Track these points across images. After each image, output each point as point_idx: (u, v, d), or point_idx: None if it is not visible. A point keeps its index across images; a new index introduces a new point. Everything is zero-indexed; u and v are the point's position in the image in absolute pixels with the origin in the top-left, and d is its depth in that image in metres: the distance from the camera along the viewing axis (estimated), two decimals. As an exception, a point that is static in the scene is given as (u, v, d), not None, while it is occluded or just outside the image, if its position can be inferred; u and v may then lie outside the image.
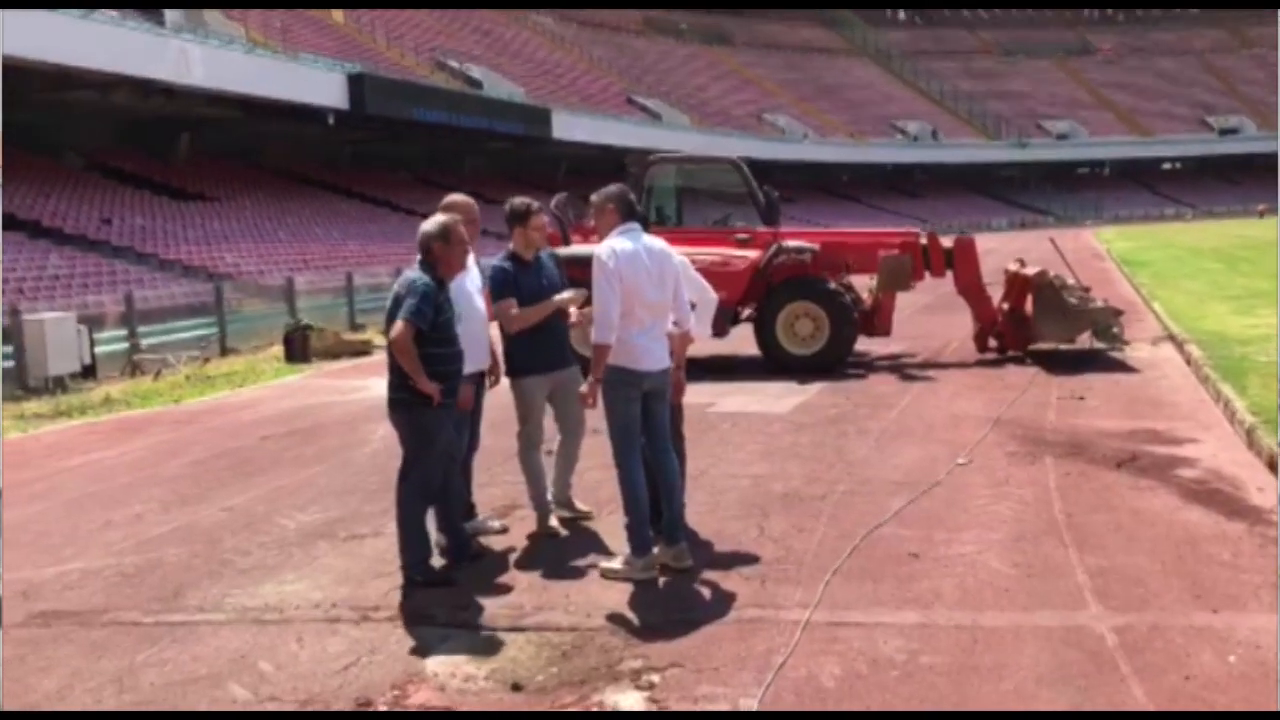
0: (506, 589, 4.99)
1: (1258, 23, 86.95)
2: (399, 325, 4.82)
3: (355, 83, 34.33)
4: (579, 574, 5.17)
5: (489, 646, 4.33)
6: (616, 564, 5.07)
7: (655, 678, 3.95)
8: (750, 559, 5.24)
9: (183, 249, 25.96)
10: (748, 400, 9.67)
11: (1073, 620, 4.35)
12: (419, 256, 5.13)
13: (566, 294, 5.73)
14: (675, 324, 5.15)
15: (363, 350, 14.59)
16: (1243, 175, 73.94)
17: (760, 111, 66.38)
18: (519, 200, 5.83)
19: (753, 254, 11.29)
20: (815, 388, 10.21)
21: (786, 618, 4.47)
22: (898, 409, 9.12)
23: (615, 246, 4.92)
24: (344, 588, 5.07)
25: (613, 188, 5.22)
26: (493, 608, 4.74)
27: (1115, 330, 11.58)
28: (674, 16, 77.19)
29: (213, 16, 33.94)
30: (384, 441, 8.54)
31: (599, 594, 4.85)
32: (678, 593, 4.87)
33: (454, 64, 46.13)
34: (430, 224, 5.09)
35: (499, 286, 5.62)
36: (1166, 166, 78.61)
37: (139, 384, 12.40)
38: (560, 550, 5.55)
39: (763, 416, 8.98)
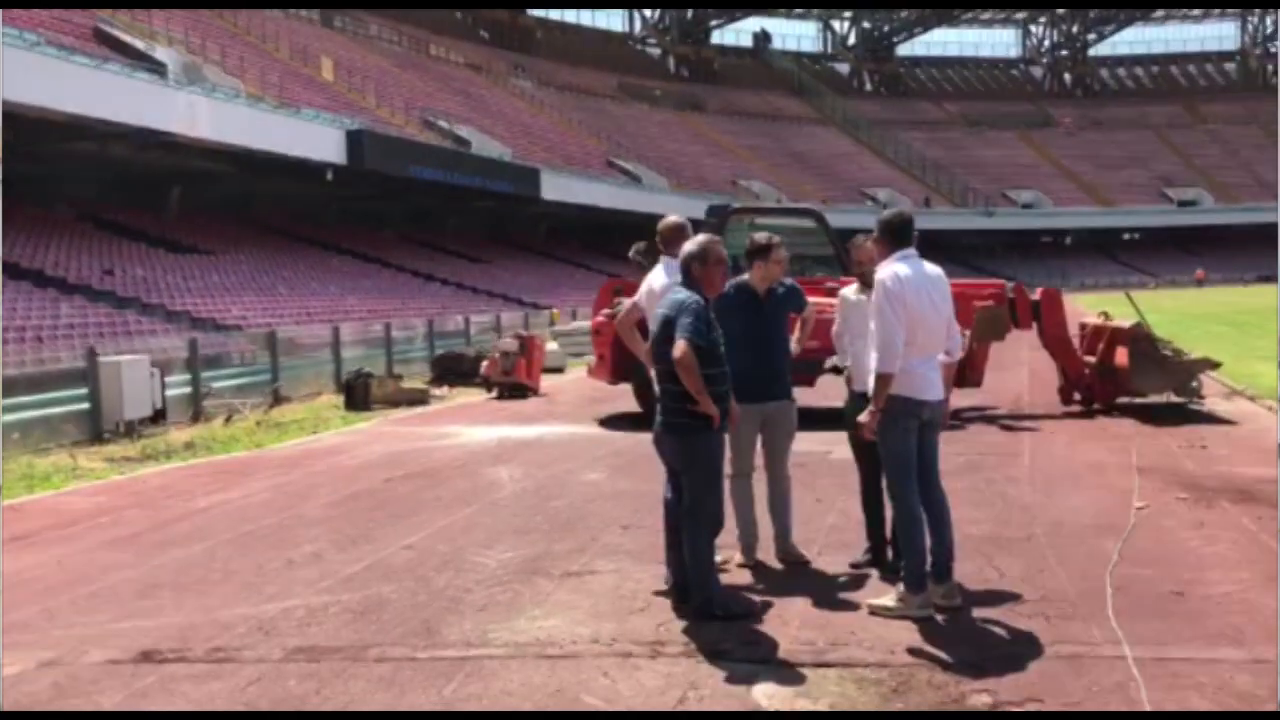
0: (783, 624, 4.80)
1: (1210, 100, 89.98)
2: (681, 344, 4.68)
3: (354, 139, 34.28)
4: (848, 608, 5.01)
5: (807, 682, 4.15)
6: (889, 601, 4.91)
7: (1020, 711, 3.80)
8: (1013, 597, 5.11)
9: (188, 300, 25.58)
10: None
11: None
12: (679, 280, 5.04)
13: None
14: (946, 353, 5.06)
15: (420, 399, 14.34)
16: (1200, 246, 75.79)
17: (735, 176, 67.09)
18: (760, 235, 5.79)
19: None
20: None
21: (1107, 653, 4.34)
22: (1025, 456, 9.07)
23: (898, 271, 4.83)
24: (607, 624, 4.85)
25: (886, 214, 5.14)
26: (785, 643, 4.56)
27: (1194, 385, 11.67)
28: (648, 83, 78.22)
29: (211, 70, 33.85)
30: (517, 484, 8.39)
31: (885, 631, 4.69)
32: (967, 631, 4.72)
33: (443, 124, 46.25)
34: (690, 244, 5.01)
35: (721, 314, 5.48)
36: (1127, 236, 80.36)
37: (210, 429, 12.07)
38: (803, 586, 5.38)
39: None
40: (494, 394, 15.01)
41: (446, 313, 30.02)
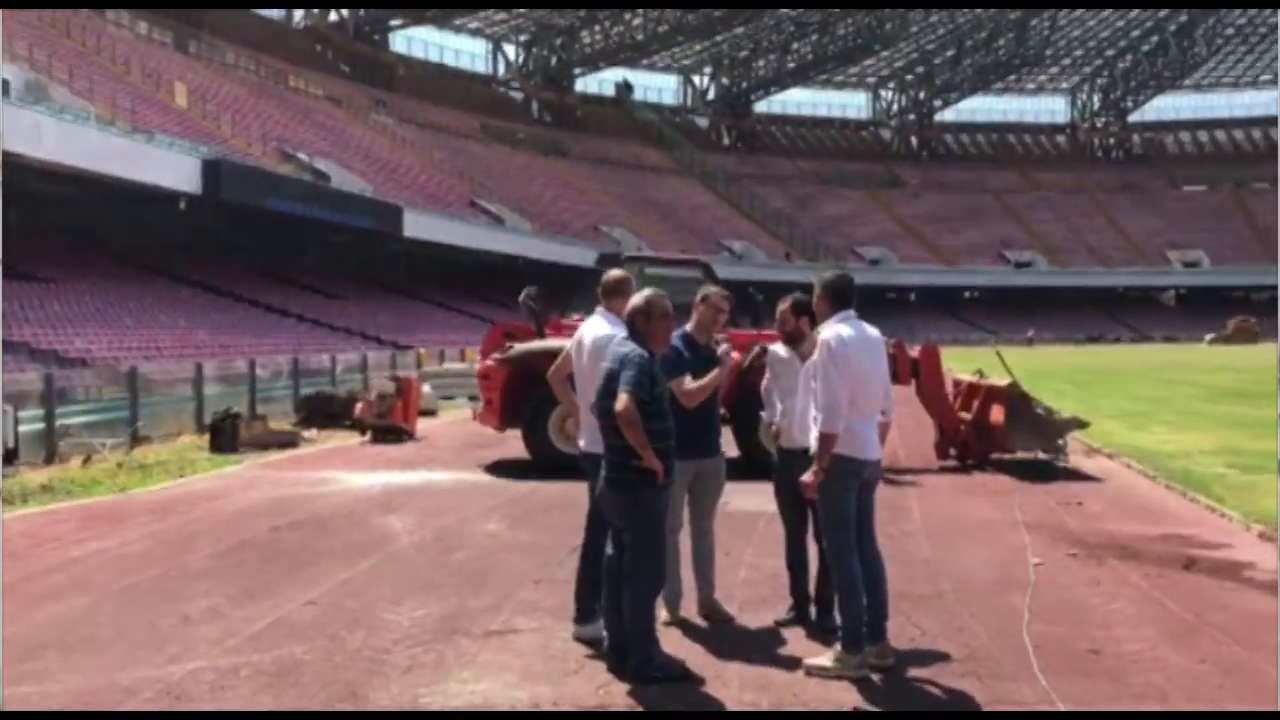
0: (723, 685, 4.73)
1: (1044, 169, 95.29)
2: (624, 398, 4.62)
3: (211, 168, 33.20)
4: (783, 667, 4.98)
5: (760, 746, 4.09)
6: (826, 661, 4.90)
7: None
8: (941, 656, 5.17)
9: (27, 330, 24.18)
10: (761, 499, 9.56)
11: (1323, 712, 4.47)
12: (618, 333, 5.00)
13: (725, 356, 5.59)
14: (883, 413, 5.12)
15: (289, 442, 13.81)
16: (1035, 305, 79.82)
17: (597, 222, 67.57)
18: (703, 288, 5.79)
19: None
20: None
21: (1044, 710, 4.42)
22: (915, 511, 9.27)
23: (842, 333, 4.87)
24: (542, 687, 4.70)
25: (828, 275, 5.20)
26: (730, 706, 4.49)
27: (1061, 443, 12.18)
28: (511, 126, 78.27)
29: (58, 91, 32.29)
30: (412, 534, 8.12)
31: (825, 692, 4.68)
32: (905, 691, 4.75)
33: (302, 156, 45.17)
34: (636, 299, 4.97)
35: (672, 366, 5.46)
36: (968, 294, 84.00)
37: (66, 470, 11.29)
38: (733, 644, 5.32)
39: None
40: (367, 437, 14.58)
41: (304, 350, 29.17)
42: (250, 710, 4.43)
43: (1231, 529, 8.47)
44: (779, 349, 5.72)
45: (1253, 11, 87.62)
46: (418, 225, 45.71)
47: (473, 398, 21.45)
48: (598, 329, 5.38)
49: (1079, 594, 6.44)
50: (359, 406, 14.98)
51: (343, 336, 36.72)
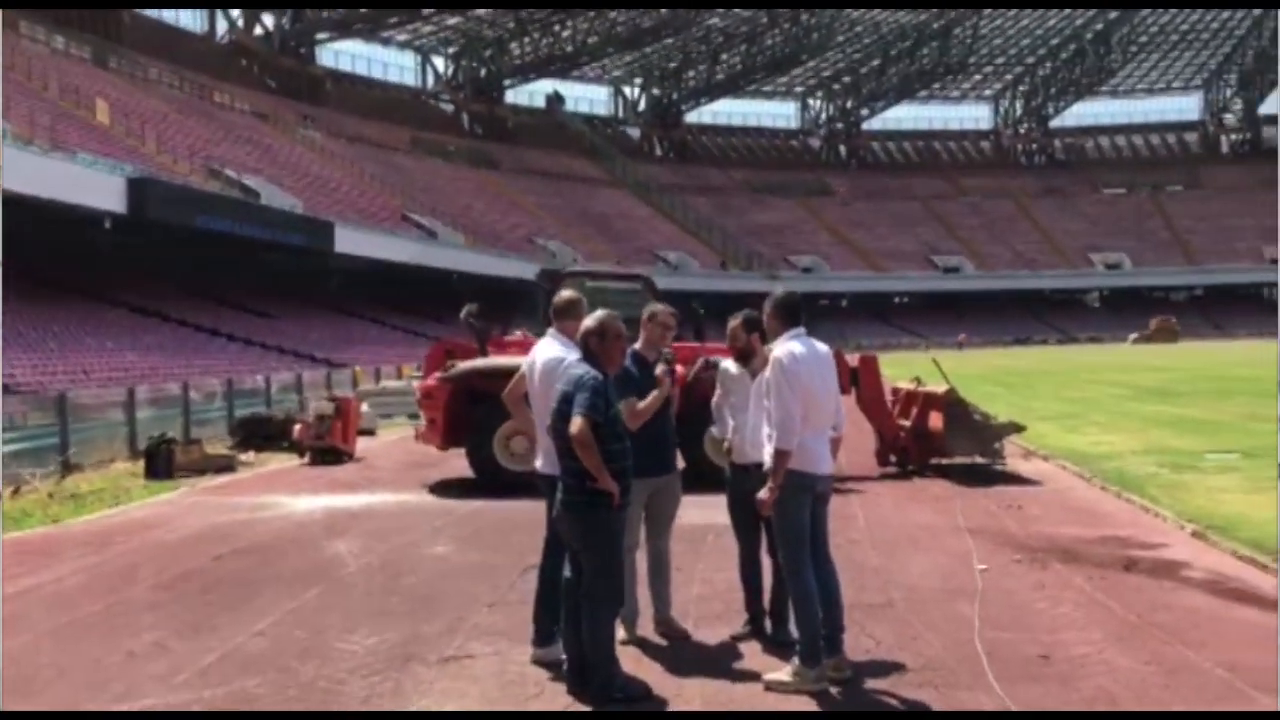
0: (685, 703, 4.75)
1: (969, 174, 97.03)
2: (578, 421, 4.62)
3: (137, 187, 32.56)
4: (743, 682, 5.00)
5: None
6: (785, 676, 4.93)
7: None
8: (896, 666, 5.23)
9: (-55, 356, 23.40)
10: (709, 513, 9.59)
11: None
12: (571, 354, 5.02)
13: (662, 381, 5.59)
14: (834, 428, 5.18)
15: (227, 466, 13.56)
16: (963, 309, 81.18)
17: (531, 235, 67.41)
18: (650, 305, 5.80)
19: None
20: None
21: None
22: (860, 519, 9.36)
23: (794, 350, 4.92)
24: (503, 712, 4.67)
25: (778, 293, 5.24)
26: (692, 725, 4.51)
27: (998, 447, 12.40)
28: (442, 139, 77.84)
29: (-27, 109, 31.42)
30: (359, 559, 8.02)
31: (786, 706, 4.72)
32: (865, 703, 4.81)
33: (230, 173, 44.46)
34: (589, 320, 4.97)
35: (622, 386, 5.46)
36: (898, 299, 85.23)
37: (-7, 502, 10.98)
38: (692, 661, 5.33)
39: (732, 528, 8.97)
40: (306, 459, 14.37)
41: (236, 370, 28.67)
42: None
43: (1166, 529, 8.68)
44: (730, 365, 5.75)
45: (1165, 19, 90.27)
46: (349, 241, 45.23)
47: (412, 415, 21.31)
48: (550, 351, 5.37)
49: (1025, 599, 6.56)
50: (297, 428, 14.76)
51: (275, 355, 36.16)
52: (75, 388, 19.60)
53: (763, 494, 4.91)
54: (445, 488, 11.69)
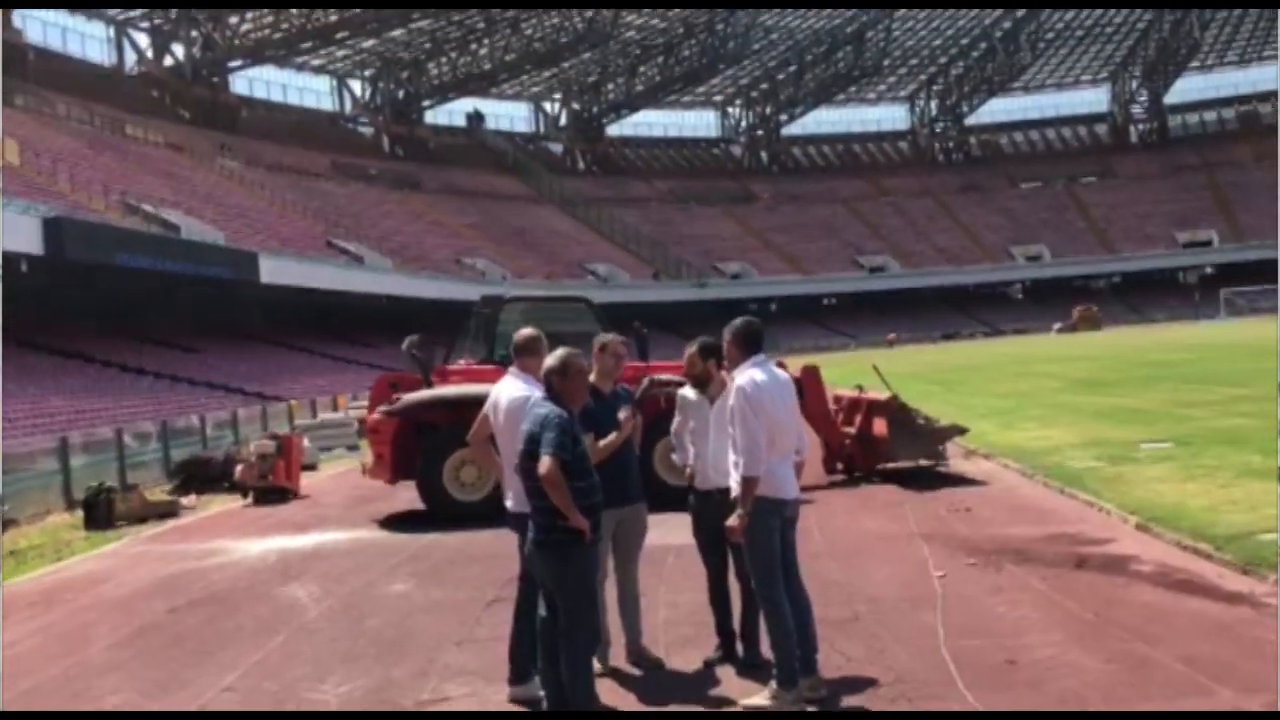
0: (667, 737, 4.79)
1: (890, 175, 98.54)
2: (547, 460, 4.64)
3: (53, 227, 31.76)
4: (721, 709, 5.04)
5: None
6: (763, 699, 5.00)
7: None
8: (870, 681, 5.32)
9: None
10: (663, 532, 9.62)
11: (1232, 703, 4.76)
12: (534, 393, 5.04)
13: (624, 422, 5.63)
14: (797, 452, 5.26)
15: (169, 512, 13.30)
16: (891, 308, 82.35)
17: (458, 255, 67.04)
18: (601, 335, 5.83)
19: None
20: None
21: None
22: (815, 530, 9.44)
23: (755, 377, 5.00)
24: (487, 757, 4.67)
25: (737, 322, 5.31)
26: (678, 757, 4.54)
27: (941, 449, 12.65)
28: (362, 162, 77.12)
29: (-124, 154, 30.48)
30: (320, 604, 7.94)
31: (766, 731, 4.77)
32: (843, 720, 4.87)
33: (148, 208, 43.60)
34: (551, 359, 4.99)
35: (579, 419, 5.48)
36: (826, 301, 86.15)
37: (-71, 563, 10.65)
38: (667, 689, 5.38)
39: (689, 547, 8.99)
40: (250, 500, 14.14)
41: (166, 408, 28.10)
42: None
43: (1111, 523, 8.92)
44: (688, 392, 5.81)
45: (1069, 16, 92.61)
46: (274, 270, 44.57)
47: (351, 448, 21.12)
48: (513, 390, 5.38)
49: (985, 604, 6.70)
50: (239, 469, 14.52)
51: (205, 391, 35.53)
52: (25, 439, 19.07)
53: (732, 521, 4.97)
54: (396, 522, 11.59)
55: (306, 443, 17.39)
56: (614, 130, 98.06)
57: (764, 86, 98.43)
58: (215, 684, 6.02)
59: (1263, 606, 6.18)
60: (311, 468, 17.52)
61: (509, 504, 5.39)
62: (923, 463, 12.61)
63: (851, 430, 12.59)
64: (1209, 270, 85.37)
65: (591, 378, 5.69)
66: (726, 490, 5.19)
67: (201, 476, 15.61)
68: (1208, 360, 27.66)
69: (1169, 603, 6.44)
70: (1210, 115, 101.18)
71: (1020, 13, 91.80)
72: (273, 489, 14.07)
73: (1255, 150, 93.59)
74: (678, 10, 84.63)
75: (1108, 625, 6.01)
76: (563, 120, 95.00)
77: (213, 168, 60.35)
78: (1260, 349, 30.98)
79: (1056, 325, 70.17)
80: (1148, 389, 20.52)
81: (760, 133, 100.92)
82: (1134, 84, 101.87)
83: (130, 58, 68.74)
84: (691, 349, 5.65)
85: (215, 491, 15.24)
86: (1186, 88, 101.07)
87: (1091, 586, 6.92)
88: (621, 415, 5.49)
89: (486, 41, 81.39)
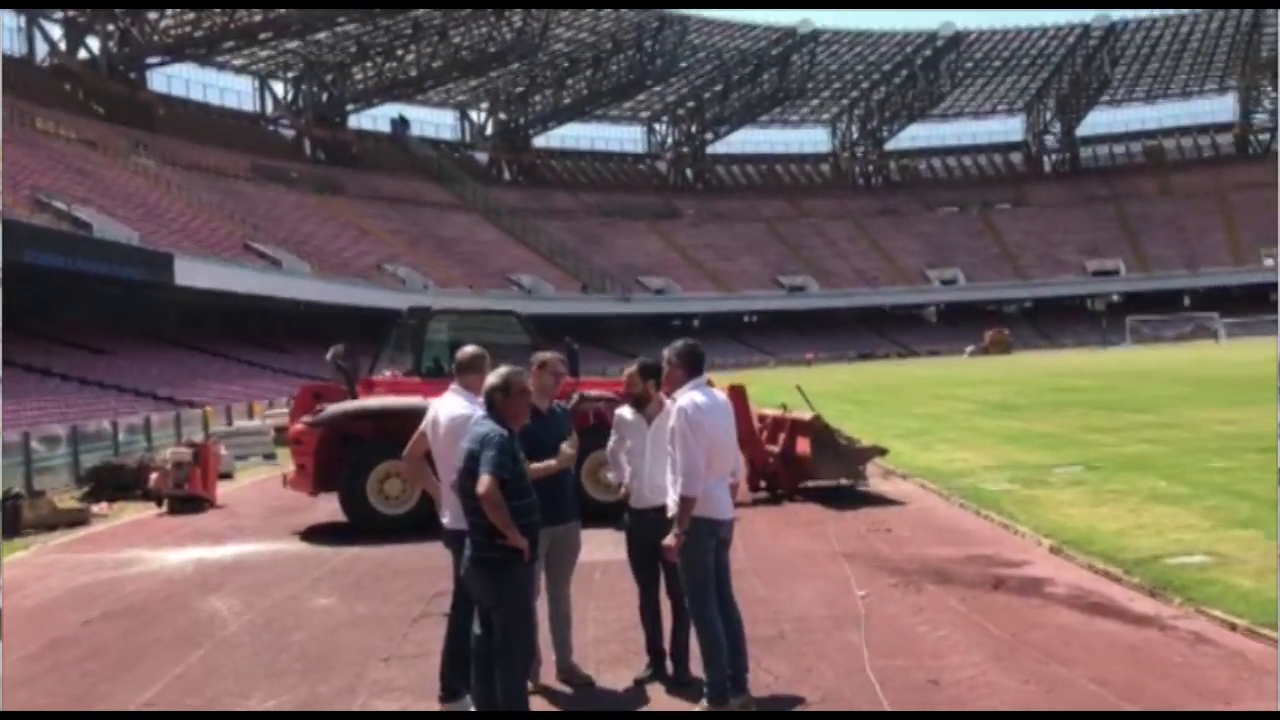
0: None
1: (811, 196, 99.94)
2: (486, 479, 4.66)
3: (-44, 222, 30.67)
4: (654, 729, 5.10)
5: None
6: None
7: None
8: (798, 700, 5.42)
9: None
10: (590, 548, 9.63)
11: (1140, 722, 4.95)
12: (475, 411, 5.05)
13: (567, 448, 5.68)
14: (732, 474, 5.35)
15: (80, 519, 12.94)
16: (810, 327, 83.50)
17: (380, 261, 66.29)
18: (539, 354, 5.86)
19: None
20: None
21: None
22: (741, 549, 9.51)
23: (696, 400, 5.08)
24: (419, 775, 4.66)
25: (679, 344, 5.38)
26: (611, 775, 4.58)
27: (862, 469, 12.88)
28: (283, 165, 75.93)
29: None
30: (241, 617, 7.81)
31: (698, 749, 4.83)
32: (772, 739, 4.95)
33: (59, 204, 42.41)
34: (493, 377, 5.01)
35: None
36: (747, 319, 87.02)
37: None
38: (600, 707, 5.41)
39: (617, 564, 9.06)
40: (164, 509, 13.83)
41: (73, 411, 27.31)
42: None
43: (1026, 545, 9.18)
44: (626, 412, 5.87)
45: (988, 46, 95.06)
46: (190, 273, 43.62)
47: (268, 456, 20.76)
48: (453, 407, 5.38)
49: (907, 624, 6.85)
50: (154, 476, 14.19)
51: (115, 394, 34.59)
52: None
53: (668, 540, 5.04)
54: (318, 534, 11.44)
55: (223, 451, 17.07)
56: (540, 141, 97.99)
57: (690, 104, 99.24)
58: (134, 699, 5.91)
59: (1170, 629, 6.43)
60: (228, 476, 17.19)
61: (445, 521, 5.38)
62: (844, 482, 12.82)
63: (775, 449, 12.76)
64: (1116, 298, 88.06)
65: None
66: (662, 509, 5.26)
67: (114, 484, 15.22)
68: (1114, 387, 28.55)
69: (1082, 625, 6.65)
70: (1119, 148, 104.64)
71: (940, 41, 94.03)
72: (189, 498, 13.78)
73: (1160, 184, 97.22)
74: (607, 25, 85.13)
75: (1025, 646, 6.20)
76: (489, 129, 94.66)
77: (128, 165, 58.88)
78: (1166, 376, 32.13)
79: (969, 348, 71.82)
80: (1058, 413, 21.11)
81: (686, 150, 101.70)
82: (1048, 115, 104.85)
83: (42, 49, 66.82)
84: (632, 369, 5.72)
85: (128, 499, 14.87)
86: (1097, 121, 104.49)
87: (1009, 608, 7.12)
88: (565, 447, 5.53)
89: (413, 48, 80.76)
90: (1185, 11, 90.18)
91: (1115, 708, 5.17)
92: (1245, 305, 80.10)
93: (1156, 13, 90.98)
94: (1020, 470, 13.20)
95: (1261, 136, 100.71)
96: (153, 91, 73.20)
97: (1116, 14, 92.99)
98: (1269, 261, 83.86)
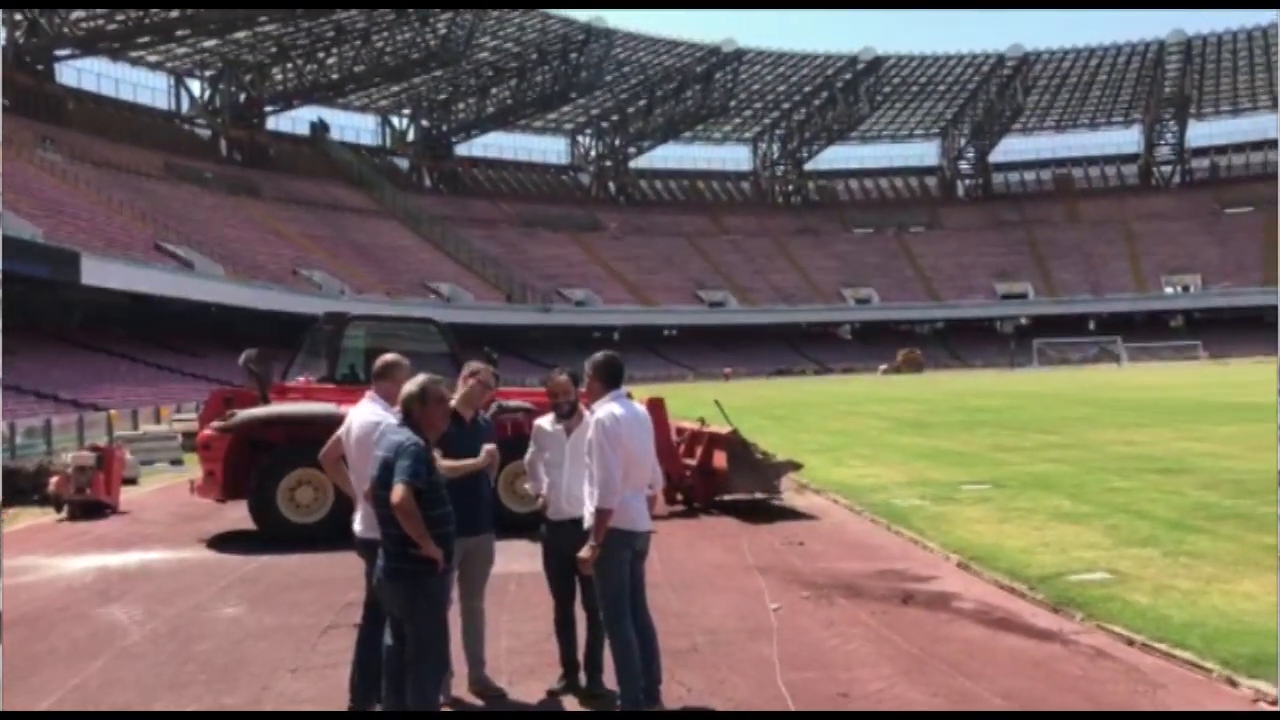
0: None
1: (731, 213, 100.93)
2: (400, 489, 4.61)
3: None
4: (567, 743, 5.08)
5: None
6: (607, 730, 5.06)
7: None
8: (710, 712, 5.44)
9: None
10: (505, 559, 9.55)
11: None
12: (393, 418, 5.00)
13: (485, 455, 5.63)
14: (650, 486, 5.36)
15: (-29, 524, 12.47)
16: (728, 342, 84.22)
17: (295, 265, 65.22)
18: (472, 363, 5.84)
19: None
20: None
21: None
22: (655, 561, 9.54)
23: (614, 411, 5.08)
24: (326, 788, 4.58)
25: (599, 356, 5.38)
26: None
27: (776, 483, 13.01)
28: (198, 164, 74.35)
29: None
30: (143, 627, 7.61)
31: (610, 761, 4.83)
32: (684, 751, 4.97)
33: (-42, 197, 40.93)
34: (410, 385, 4.95)
35: (439, 443, 5.45)
36: (667, 333, 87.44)
37: None
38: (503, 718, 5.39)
39: (532, 575, 9.02)
40: (64, 514, 13.41)
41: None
42: None
43: (935, 560, 9.35)
44: (544, 422, 5.85)
45: (906, 71, 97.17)
46: (97, 272, 42.47)
47: (175, 462, 20.27)
48: (366, 414, 5.32)
49: (818, 637, 6.93)
50: (54, 480, 13.75)
51: (14, 396, 33.47)
52: None
53: (584, 552, 5.03)
54: (225, 541, 11.19)
55: (129, 455, 16.61)
56: (463, 150, 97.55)
57: (614, 118, 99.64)
58: (28, 709, 5.70)
59: (1071, 644, 6.60)
60: (132, 482, 16.74)
61: (357, 529, 5.31)
62: (759, 496, 12.92)
63: (692, 462, 12.82)
64: (1024, 321, 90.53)
65: (453, 402, 5.69)
66: (579, 521, 5.26)
67: (10, 488, 14.70)
68: (1022, 407, 29.26)
69: (988, 639, 6.80)
70: (1030, 175, 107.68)
71: (861, 65, 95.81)
72: (90, 503, 13.38)
73: (1068, 211, 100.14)
74: (533, 35, 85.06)
75: (933, 660, 6.31)
76: (411, 136, 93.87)
77: (33, 160, 57.08)
78: (1070, 397, 33.06)
79: (882, 366, 73.11)
80: (967, 432, 21.56)
81: (609, 163, 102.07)
82: (962, 141, 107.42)
83: (-57, 38, 64.66)
84: (562, 376, 5.68)
85: (25, 504, 14.39)
86: (1009, 148, 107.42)
87: (917, 622, 7.24)
88: (486, 448, 5.49)
89: (335, 51, 79.81)
90: (1095, 45, 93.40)
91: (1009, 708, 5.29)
92: (1146, 330, 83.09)
93: (1068, 44, 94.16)
94: (930, 487, 13.44)
95: (1164, 169, 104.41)
96: (62, 85, 71.23)
97: (1029, 45, 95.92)
98: (1169, 290, 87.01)
